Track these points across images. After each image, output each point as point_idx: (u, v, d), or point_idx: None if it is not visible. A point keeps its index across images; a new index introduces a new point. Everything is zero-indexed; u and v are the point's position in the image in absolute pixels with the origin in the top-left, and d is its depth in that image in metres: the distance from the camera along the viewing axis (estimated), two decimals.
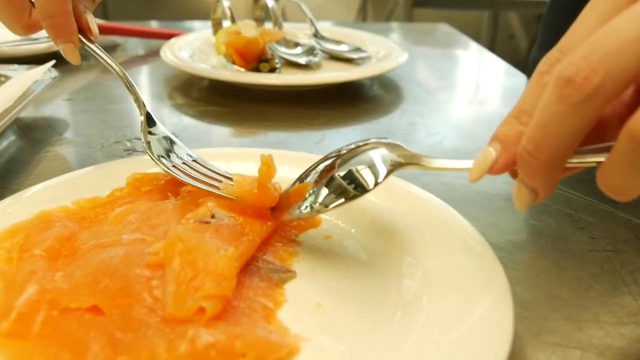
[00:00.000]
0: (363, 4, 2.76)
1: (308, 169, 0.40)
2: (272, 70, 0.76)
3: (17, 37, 0.83)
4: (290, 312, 0.33)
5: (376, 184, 0.36)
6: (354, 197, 0.36)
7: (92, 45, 0.50)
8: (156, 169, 0.46)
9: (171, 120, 0.67)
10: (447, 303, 0.32)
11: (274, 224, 0.40)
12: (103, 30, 0.92)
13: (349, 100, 0.74)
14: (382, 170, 0.36)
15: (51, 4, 0.46)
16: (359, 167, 0.37)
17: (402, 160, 0.36)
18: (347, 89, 0.78)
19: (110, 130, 0.63)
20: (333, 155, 0.39)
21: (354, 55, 0.83)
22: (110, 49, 0.96)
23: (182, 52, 0.81)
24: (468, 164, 0.33)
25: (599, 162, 0.28)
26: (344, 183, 0.37)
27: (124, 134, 0.61)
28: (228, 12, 0.86)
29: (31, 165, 0.54)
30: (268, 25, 0.91)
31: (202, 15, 2.30)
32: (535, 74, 0.31)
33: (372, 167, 0.36)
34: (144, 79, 0.83)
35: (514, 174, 0.31)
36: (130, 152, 0.57)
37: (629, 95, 0.32)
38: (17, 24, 0.47)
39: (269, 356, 0.29)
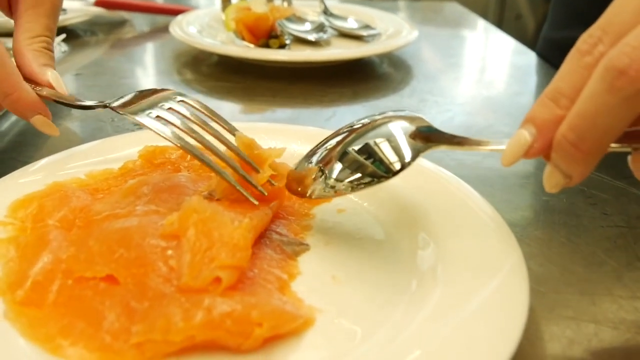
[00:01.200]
0: None
1: (317, 145, 0.39)
2: (282, 46, 0.75)
3: None
4: (305, 284, 0.33)
5: (403, 164, 0.34)
6: (378, 177, 0.35)
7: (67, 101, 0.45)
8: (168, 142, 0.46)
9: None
10: (462, 277, 0.32)
11: (284, 198, 0.40)
12: (111, 5, 0.92)
13: (359, 77, 0.74)
14: (406, 147, 0.35)
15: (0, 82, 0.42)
16: (378, 141, 0.35)
17: (429, 137, 0.35)
18: (357, 66, 0.77)
19: None
20: (345, 129, 0.38)
21: (364, 33, 0.83)
22: (118, 24, 0.96)
23: (191, 28, 0.80)
24: (501, 145, 0.32)
25: (636, 148, 0.29)
26: (361, 158, 0.36)
27: None
28: None
29: (42, 138, 0.54)
30: (277, 2, 0.90)
31: None
32: (574, 53, 0.29)
33: (392, 140, 0.35)
34: (152, 55, 0.83)
35: (548, 157, 0.30)
36: (139, 127, 0.57)
37: None
38: None
39: (284, 326, 0.29)
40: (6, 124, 0.56)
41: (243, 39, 0.76)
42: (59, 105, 0.58)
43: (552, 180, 0.30)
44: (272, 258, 0.35)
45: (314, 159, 0.38)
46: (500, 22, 2.78)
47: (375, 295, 0.32)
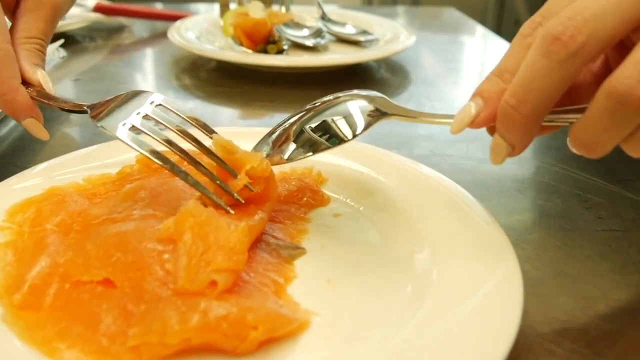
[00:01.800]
0: None
1: (277, 125, 0.40)
2: (280, 52, 0.76)
3: None
4: (301, 287, 0.33)
5: (354, 135, 0.36)
6: (327, 148, 0.36)
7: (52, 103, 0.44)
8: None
9: (178, 101, 0.67)
10: (457, 280, 0.32)
11: (276, 200, 0.40)
12: (110, 11, 0.92)
13: (356, 82, 0.74)
14: (361, 121, 0.36)
15: None
16: (335, 118, 0.37)
17: (385, 110, 0.37)
18: (354, 71, 0.77)
19: None
20: (306, 108, 0.39)
21: (361, 38, 0.83)
22: (116, 30, 0.96)
23: (189, 33, 0.81)
24: (450, 117, 0.35)
25: (572, 122, 0.31)
26: (315, 135, 0.37)
27: None
28: None
29: (40, 143, 0.54)
30: (275, 8, 0.91)
31: None
32: (517, 36, 0.32)
33: (348, 117, 0.36)
34: (150, 60, 0.83)
35: (492, 130, 0.33)
36: (139, 132, 0.57)
37: (598, 66, 0.34)
38: None
39: (280, 330, 0.29)
40: (5, 129, 0.57)
41: (241, 44, 0.76)
42: (57, 111, 0.58)
43: (496, 150, 0.32)
44: (269, 262, 0.35)
45: (272, 138, 0.39)
46: (498, 28, 2.79)
47: (371, 298, 0.33)
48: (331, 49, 0.82)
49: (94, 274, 0.32)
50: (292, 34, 0.81)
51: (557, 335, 0.32)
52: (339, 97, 0.38)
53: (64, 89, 0.69)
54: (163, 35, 0.85)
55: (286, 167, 0.44)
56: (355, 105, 0.37)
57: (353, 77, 0.76)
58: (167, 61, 0.81)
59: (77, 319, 0.30)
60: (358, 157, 0.46)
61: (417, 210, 0.39)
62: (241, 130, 0.50)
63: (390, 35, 0.84)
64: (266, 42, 0.76)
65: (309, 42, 0.79)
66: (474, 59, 0.91)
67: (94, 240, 0.34)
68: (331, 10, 0.95)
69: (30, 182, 0.41)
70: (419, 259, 0.35)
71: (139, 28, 0.98)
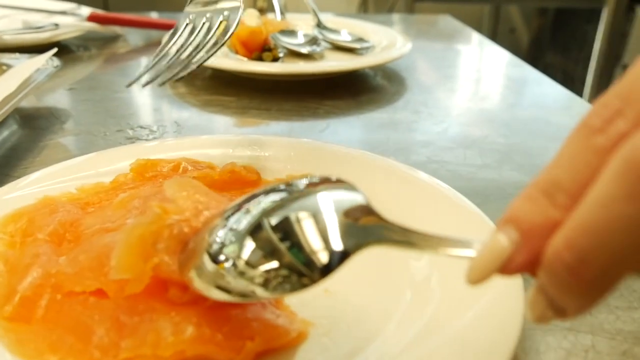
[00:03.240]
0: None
1: (229, 208, 0.29)
2: (275, 59, 0.75)
3: (19, 26, 0.83)
4: (297, 297, 0.33)
5: (328, 268, 0.24)
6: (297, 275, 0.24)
7: None
8: (161, 155, 0.45)
9: (173, 109, 0.66)
10: (456, 288, 0.31)
11: None
12: (104, 20, 0.92)
13: (353, 90, 0.74)
14: (337, 243, 0.25)
15: None
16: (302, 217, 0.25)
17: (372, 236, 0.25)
18: (351, 79, 0.77)
19: (113, 119, 0.62)
20: (264, 191, 0.28)
21: (357, 45, 0.83)
22: (111, 39, 0.96)
23: (189, 36, 0.80)
24: (469, 249, 0.23)
25: None
26: (275, 236, 0.25)
27: (127, 122, 0.61)
28: None
29: (33, 153, 0.54)
30: (271, 16, 0.91)
31: None
32: (581, 128, 0.20)
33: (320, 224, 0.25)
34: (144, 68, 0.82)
35: (534, 273, 0.21)
36: (133, 140, 0.57)
37: None
38: None
39: (277, 340, 0.29)
40: None
41: (236, 52, 0.76)
42: (51, 120, 0.57)
43: (537, 309, 0.21)
44: None
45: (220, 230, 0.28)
46: (494, 36, 2.80)
47: (369, 307, 0.32)
48: (327, 56, 0.82)
49: (87, 284, 0.31)
50: (288, 41, 0.81)
51: (558, 343, 0.31)
52: (305, 185, 0.28)
53: (59, 98, 0.69)
54: (158, 43, 0.85)
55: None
56: (329, 199, 0.26)
57: (349, 84, 0.75)
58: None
59: (69, 331, 0.30)
60: (352, 163, 0.45)
61: (414, 217, 0.38)
62: (236, 139, 0.49)
63: (386, 43, 0.84)
64: (261, 50, 0.75)
65: (305, 50, 0.79)
66: (470, 66, 0.91)
67: (86, 251, 0.34)
68: (327, 18, 0.95)
69: (23, 191, 0.40)
70: (417, 266, 0.34)
71: (134, 37, 0.98)
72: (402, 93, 0.73)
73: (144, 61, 0.87)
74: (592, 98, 2.13)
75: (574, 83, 2.55)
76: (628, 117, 0.19)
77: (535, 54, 2.80)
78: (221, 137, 0.50)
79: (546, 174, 0.20)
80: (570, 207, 0.19)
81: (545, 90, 0.77)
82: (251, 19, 0.76)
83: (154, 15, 1.13)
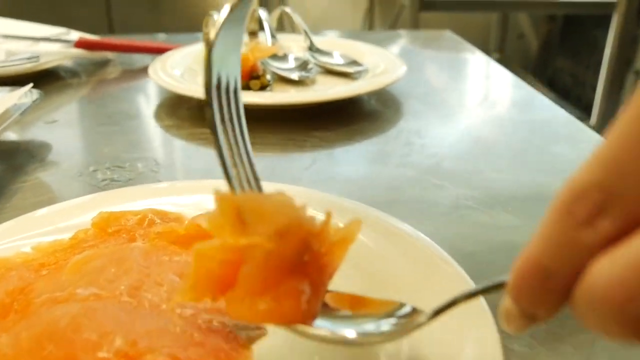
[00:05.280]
0: (370, 7, 2.72)
1: None
2: (263, 87, 0.73)
3: (1, 57, 0.81)
4: None
5: None
6: None
7: None
8: (124, 207, 0.43)
9: (155, 144, 0.64)
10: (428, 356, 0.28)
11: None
12: (92, 46, 0.89)
13: (344, 117, 0.71)
14: None
15: None
16: None
17: None
18: (344, 104, 0.74)
19: (91, 157, 0.60)
20: None
21: (350, 70, 0.80)
22: (101, 65, 0.93)
23: (173, 68, 0.78)
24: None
25: None
26: None
27: (104, 160, 0.58)
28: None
29: (5, 197, 0.51)
30: (262, 37, 0.88)
31: None
32: (564, 214, 0.18)
33: None
34: (132, 98, 0.80)
35: None
36: (108, 181, 0.54)
37: None
38: None
39: None
40: None
41: None
42: (28, 158, 0.55)
43: (513, 321, 0.22)
44: (221, 349, 0.31)
45: None
46: (502, 42, 2.76)
47: None
48: (319, 81, 0.79)
49: None
50: (278, 66, 0.78)
51: None
52: None
53: (39, 133, 0.66)
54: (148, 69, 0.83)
55: None
56: None
57: (342, 110, 0.72)
58: (150, 97, 0.78)
59: None
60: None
61: (392, 277, 0.35)
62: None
63: (382, 66, 0.80)
64: (249, 77, 0.73)
65: (295, 76, 0.76)
66: (470, 89, 0.88)
67: (30, 327, 0.31)
68: (320, 39, 0.92)
69: None
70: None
71: (125, 60, 0.96)
72: (395, 121, 0.70)
73: (134, 87, 0.84)
74: (603, 104, 2.09)
75: (584, 88, 2.51)
76: (614, 216, 0.18)
77: (545, 59, 2.76)
78: (194, 183, 0.47)
79: (530, 256, 0.20)
80: (561, 299, 0.19)
81: (548, 115, 0.73)
82: None
83: (161, 37, 1.11)
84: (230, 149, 0.31)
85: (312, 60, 0.82)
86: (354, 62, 0.82)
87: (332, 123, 0.68)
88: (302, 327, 0.26)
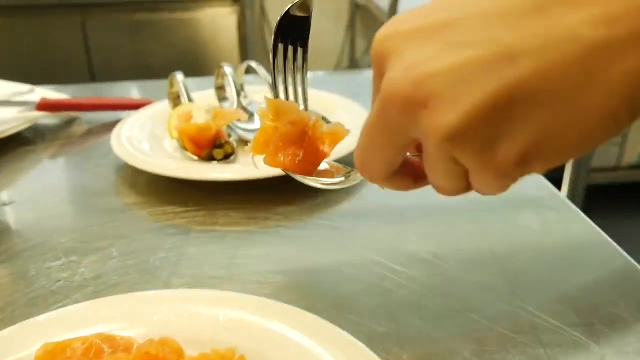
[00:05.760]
0: (351, 23, 2.71)
1: None
2: (227, 155, 0.71)
3: None
4: None
5: None
6: None
7: None
8: (71, 335, 0.41)
9: (119, 229, 0.62)
10: None
11: None
12: (55, 107, 0.87)
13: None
14: None
15: None
16: None
17: None
18: None
19: (46, 247, 0.58)
20: None
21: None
22: (63, 125, 0.91)
23: (138, 131, 0.76)
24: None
25: None
26: None
27: (58, 254, 0.56)
28: (182, 89, 0.81)
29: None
30: (227, 100, 0.86)
31: (204, 69, 2.23)
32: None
33: None
34: (97, 164, 0.78)
35: None
36: (62, 282, 0.52)
37: None
38: None
39: None
40: None
41: (185, 149, 0.71)
42: None
43: None
44: None
45: None
46: None
47: None
48: None
49: None
50: (243, 128, 0.76)
51: None
52: None
53: None
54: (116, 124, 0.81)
55: None
56: None
57: None
58: (111, 167, 0.76)
59: None
60: (297, 334, 0.41)
61: None
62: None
63: (356, 121, 0.78)
64: (212, 146, 0.71)
65: None
66: None
67: None
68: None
69: None
70: None
71: (92, 118, 0.93)
72: (359, 188, 0.68)
73: (93, 157, 0.81)
74: None
75: None
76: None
77: None
78: (142, 296, 0.45)
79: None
80: None
81: None
82: (200, 113, 0.72)
83: (144, 85, 1.09)
84: (283, 71, 0.46)
85: None
86: (323, 118, 0.80)
87: (297, 194, 0.67)
88: (299, 176, 0.43)
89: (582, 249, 0.56)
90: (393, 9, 1.97)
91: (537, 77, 0.26)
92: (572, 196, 2.42)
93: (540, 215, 0.61)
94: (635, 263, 0.53)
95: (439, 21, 0.28)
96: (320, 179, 0.44)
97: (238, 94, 0.84)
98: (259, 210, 0.64)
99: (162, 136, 0.78)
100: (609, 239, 0.57)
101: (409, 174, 0.35)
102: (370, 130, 0.32)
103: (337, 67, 2.77)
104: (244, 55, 2.27)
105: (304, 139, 0.43)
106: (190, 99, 0.80)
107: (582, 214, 0.61)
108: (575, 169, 2.40)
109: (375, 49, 0.31)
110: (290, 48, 0.47)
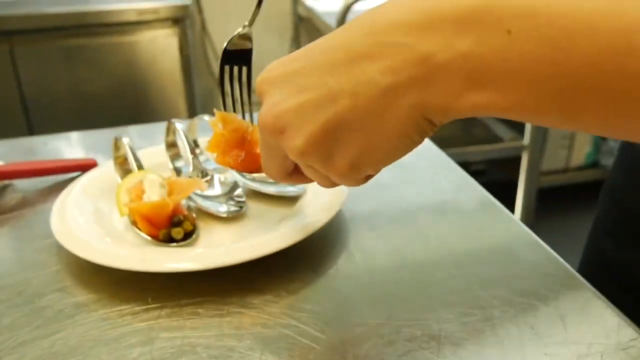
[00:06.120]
0: (295, 36, 2.64)
1: None
2: (188, 234, 0.63)
3: None
4: None
5: None
6: None
7: None
8: None
9: (55, 348, 0.53)
10: None
11: None
12: None
13: (283, 263, 0.61)
14: None
15: None
16: None
17: None
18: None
19: None
20: None
21: (285, 192, 0.70)
22: None
23: (80, 209, 0.67)
24: None
25: None
26: None
27: None
28: (129, 153, 0.72)
29: None
30: (182, 146, 0.77)
31: (146, 94, 2.11)
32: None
33: None
34: (35, 247, 0.68)
35: None
36: None
37: None
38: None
39: None
40: None
41: (139, 229, 0.63)
42: None
43: None
44: None
45: None
46: None
47: None
48: (251, 209, 0.69)
49: None
50: (203, 197, 0.68)
51: None
52: None
53: None
54: (56, 189, 0.72)
55: None
56: None
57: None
58: (52, 253, 0.65)
59: None
60: None
61: None
62: None
63: None
64: (169, 224, 0.63)
65: (223, 212, 0.67)
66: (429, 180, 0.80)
67: None
68: None
69: None
70: None
71: (25, 186, 0.83)
72: (338, 254, 0.61)
73: (37, 228, 0.72)
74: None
75: None
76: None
77: None
78: None
79: None
80: None
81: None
82: (152, 188, 0.63)
83: (74, 137, 0.98)
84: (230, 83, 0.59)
85: (241, 182, 0.72)
86: None
87: (271, 275, 0.59)
88: (242, 173, 0.64)
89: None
90: (341, 24, 1.91)
91: (351, 111, 0.36)
92: (527, 200, 2.42)
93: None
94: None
95: (292, 71, 0.39)
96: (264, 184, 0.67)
97: (192, 152, 0.75)
98: (230, 297, 0.56)
99: (108, 211, 0.69)
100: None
101: (303, 173, 0.44)
102: (261, 149, 0.45)
103: None
104: (187, 77, 2.17)
105: (244, 142, 0.54)
106: (140, 166, 0.71)
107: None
108: (528, 173, 2.41)
109: (256, 89, 0.41)
110: (235, 68, 0.59)
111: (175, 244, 0.62)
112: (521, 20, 0.31)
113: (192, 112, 2.18)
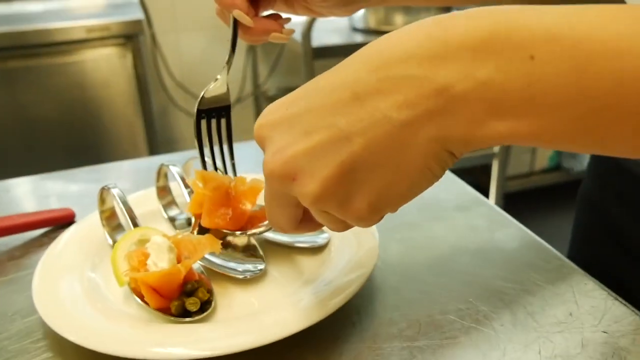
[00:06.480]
0: (251, 46, 2.54)
1: None
2: (205, 304, 0.53)
3: None
4: None
5: None
6: None
7: None
8: None
9: None
10: None
11: None
12: None
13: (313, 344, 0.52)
14: None
15: None
16: None
17: None
18: None
19: None
20: None
21: (305, 243, 0.61)
22: None
23: (68, 280, 0.56)
24: None
25: None
26: None
27: None
28: (119, 206, 0.62)
29: None
30: (177, 188, 0.67)
31: (114, 139, 1.95)
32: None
33: None
34: (11, 325, 0.57)
35: None
36: None
37: None
38: None
39: None
40: None
41: (146, 303, 0.52)
42: None
43: None
44: None
45: None
46: None
47: None
48: (272, 266, 0.60)
49: None
50: (214, 256, 0.58)
51: None
52: None
53: None
54: (38, 244, 0.61)
55: None
56: None
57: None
58: (34, 325, 0.55)
59: None
60: None
61: None
62: None
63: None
64: (181, 293, 0.53)
65: (240, 274, 0.57)
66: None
67: None
68: None
69: None
70: None
71: (8, 240, 0.70)
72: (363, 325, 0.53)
73: (12, 300, 0.60)
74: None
75: None
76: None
77: None
78: None
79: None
80: None
81: None
82: (160, 254, 0.53)
83: (79, 172, 0.86)
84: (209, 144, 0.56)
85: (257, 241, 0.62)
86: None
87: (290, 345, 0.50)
88: (230, 232, 0.56)
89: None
90: (307, 38, 1.83)
91: (367, 150, 0.34)
92: (498, 206, 2.40)
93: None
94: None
95: (296, 113, 0.36)
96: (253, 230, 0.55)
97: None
98: None
99: (100, 281, 0.58)
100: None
101: (313, 219, 0.41)
102: (267, 198, 0.41)
103: (241, 93, 2.60)
104: (144, 96, 2.04)
105: (229, 199, 0.53)
106: (135, 224, 0.60)
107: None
108: (499, 179, 2.40)
109: (255, 135, 0.38)
110: (213, 122, 0.56)
111: (189, 318, 0.52)
112: (545, 45, 0.30)
113: (151, 132, 2.05)
